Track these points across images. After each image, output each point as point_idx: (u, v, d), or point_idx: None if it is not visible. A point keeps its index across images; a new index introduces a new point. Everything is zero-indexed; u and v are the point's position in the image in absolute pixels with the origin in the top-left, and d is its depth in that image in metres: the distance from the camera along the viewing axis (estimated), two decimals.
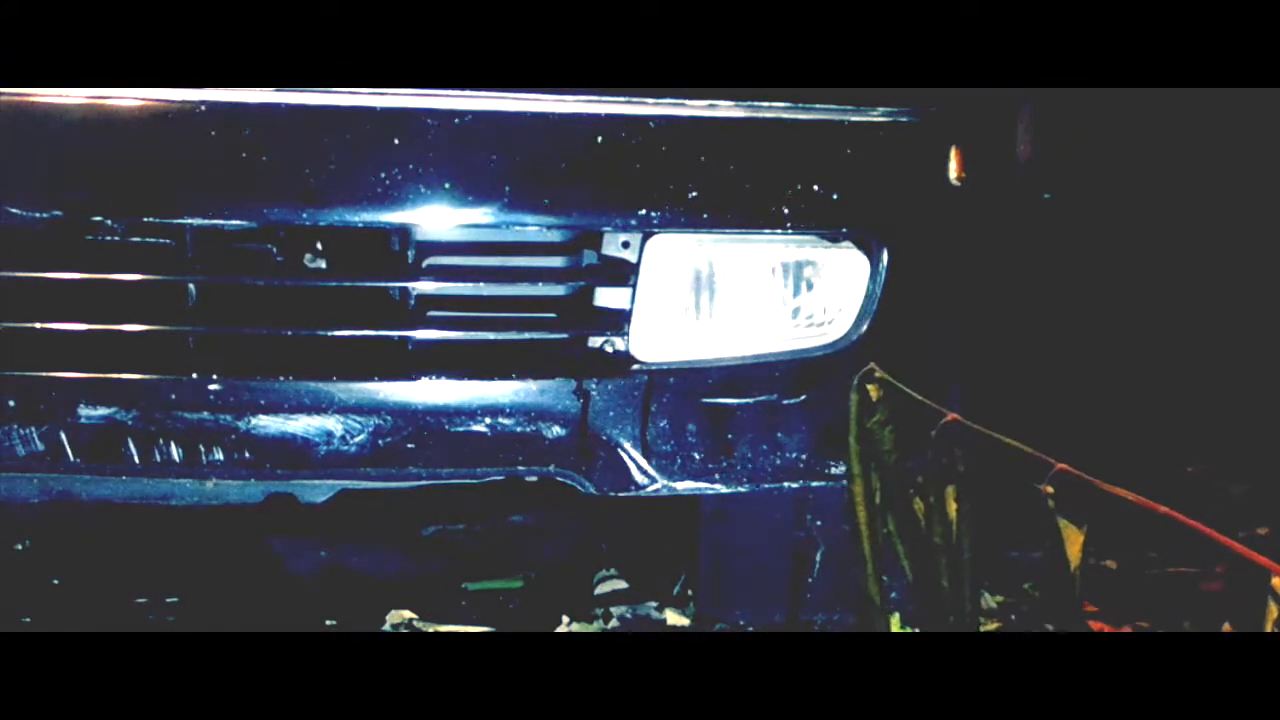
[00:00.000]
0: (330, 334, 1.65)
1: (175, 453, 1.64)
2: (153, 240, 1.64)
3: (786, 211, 1.65)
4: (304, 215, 1.57)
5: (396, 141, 1.56)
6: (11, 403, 1.62)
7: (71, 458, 1.63)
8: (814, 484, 1.77)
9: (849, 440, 1.71)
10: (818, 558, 1.96)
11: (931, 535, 1.62)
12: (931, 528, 1.62)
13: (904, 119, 1.69)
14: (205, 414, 1.63)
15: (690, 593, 2.28)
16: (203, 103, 1.53)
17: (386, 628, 2.20)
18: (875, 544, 1.73)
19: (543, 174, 1.59)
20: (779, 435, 1.73)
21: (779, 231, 1.67)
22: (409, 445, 1.66)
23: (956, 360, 1.87)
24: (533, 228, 1.63)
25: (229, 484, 1.72)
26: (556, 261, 1.70)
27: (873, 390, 1.67)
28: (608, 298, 1.69)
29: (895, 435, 1.67)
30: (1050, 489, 1.34)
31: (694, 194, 1.62)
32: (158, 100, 1.53)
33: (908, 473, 1.68)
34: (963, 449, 1.56)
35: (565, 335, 1.70)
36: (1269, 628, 1.11)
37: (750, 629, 2.05)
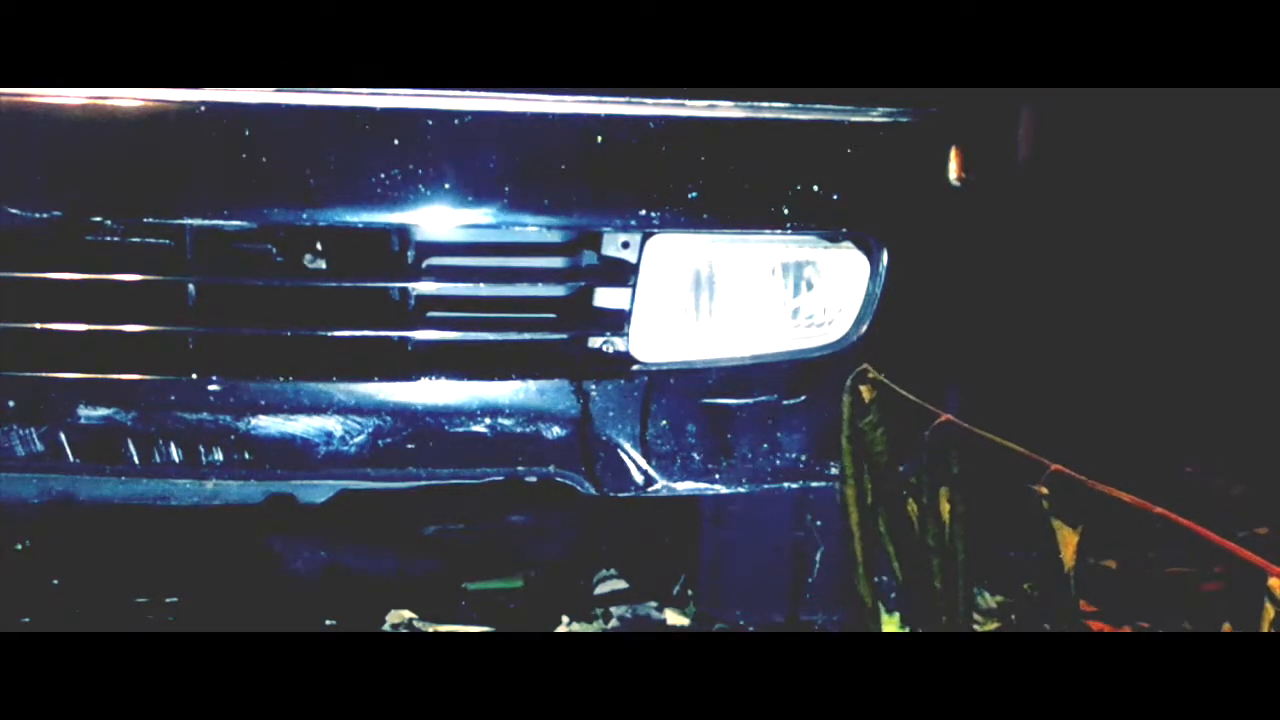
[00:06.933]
0: (330, 334, 1.65)
1: (175, 453, 1.64)
2: (153, 240, 1.64)
3: (786, 211, 1.65)
4: (304, 215, 1.57)
5: (396, 141, 1.56)
6: (11, 403, 1.62)
7: (71, 458, 1.63)
8: (814, 484, 1.77)
9: (841, 441, 1.71)
10: (818, 558, 1.96)
11: (925, 536, 1.62)
12: (925, 529, 1.62)
13: (904, 119, 1.69)
14: (205, 414, 1.63)
15: (690, 593, 2.28)
16: (203, 103, 1.53)
17: (386, 628, 2.20)
18: (867, 545, 1.73)
19: (542, 174, 1.59)
20: (779, 435, 1.73)
21: (779, 231, 1.67)
22: (409, 446, 1.66)
23: (956, 360, 1.87)
24: (532, 228, 1.63)
25: (229, 484, 1.72)
26: (556, 262, 1.70)
27: (865, 391, 1.67)
28: (607, 298, 1.69)
29: (888, 436, 1.67)
30: (1045, 489, 1.34)
31: (694, 194, 1.62)
32: (157, 100, 1.53)
33: (901, 474, 1.68)
34: (957, 450, 1.56)
35: (565, 336, 1.70)
36: (1265, 628, 1.11)
37: (750, 629, 2.05)
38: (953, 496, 1.58)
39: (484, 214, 1.60)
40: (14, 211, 1.55)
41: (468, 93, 1.56)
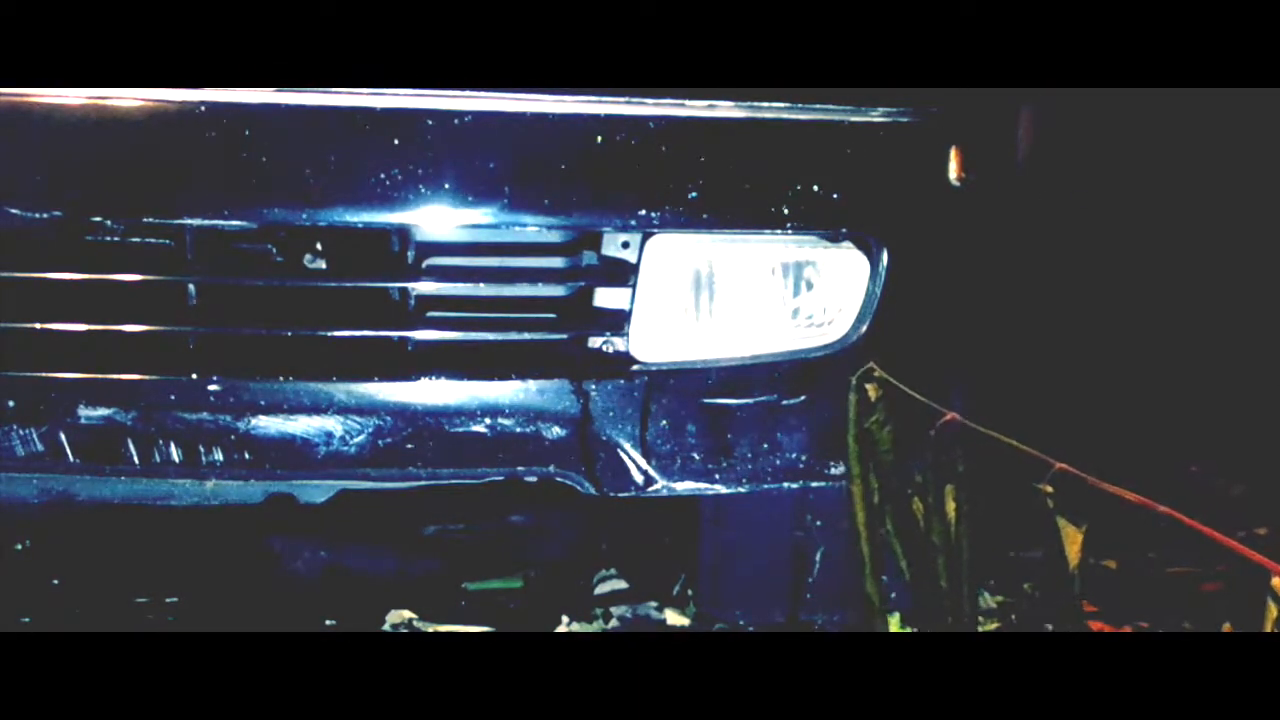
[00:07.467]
0: (330, 334, 1.65)
1: (175, 453, 1.64)
2: (153, 240, 1.64)
3: (786, 211, 1.65)
4: (304, 215, 1.57)
5: (396, 141, 1.56)
6: (11, 403, 1.62)
7: (71, 458, 1.63)
8: (814, 484, 1.77)
9: (848, 440, 1.71)
10: (818, 558, 1.96)
11: (930, 535, 1.62)
12: (930, 527, 1.62)
13: (904, 119, 1.69)
14: (205, 414, 1.63)
15: (690, 593, 2.28)
16: (203, 103, 1.53)
17: (386, 628, 2.20)
18: (874, 544, 1.73)
19: (542, 174, 1.59)
20: (779, 436, 1.73)
21: (779, 231, 1.66)
22: (409, 446, 1.66)
23: (957, 360, 1.87)
24: (532, 228, 1.63)
25: (229, 484, 1.72)
26: (556, 262, 1.70)
27: (871, 390, 1.67)
28: (607, 298, 1.69)
29: (894, 435, 1.67)
30: (1049, 488, 1.34)
31: (694, 194, 1.62)
32: (157, 100, 1.53)
33: (906, 472, 1.68)
34: (962, 448, 1.56)
35: (565, 336, 1.70)
36: (1269, 627, 1.11)
37: (750, 629, 2.05)
38: (958, 495, 1.58)
39: (484, 214, 1.60)
40: (14, 211, 1.55)
41: (468, 93, 1.56)
